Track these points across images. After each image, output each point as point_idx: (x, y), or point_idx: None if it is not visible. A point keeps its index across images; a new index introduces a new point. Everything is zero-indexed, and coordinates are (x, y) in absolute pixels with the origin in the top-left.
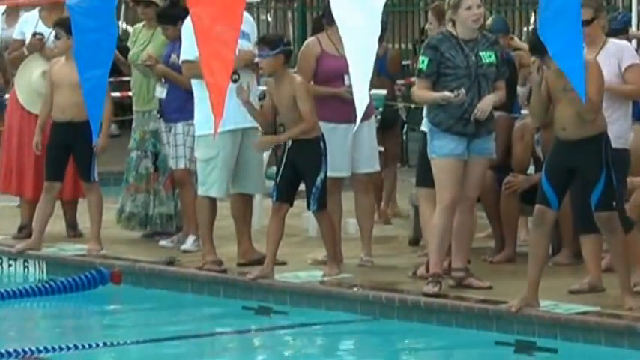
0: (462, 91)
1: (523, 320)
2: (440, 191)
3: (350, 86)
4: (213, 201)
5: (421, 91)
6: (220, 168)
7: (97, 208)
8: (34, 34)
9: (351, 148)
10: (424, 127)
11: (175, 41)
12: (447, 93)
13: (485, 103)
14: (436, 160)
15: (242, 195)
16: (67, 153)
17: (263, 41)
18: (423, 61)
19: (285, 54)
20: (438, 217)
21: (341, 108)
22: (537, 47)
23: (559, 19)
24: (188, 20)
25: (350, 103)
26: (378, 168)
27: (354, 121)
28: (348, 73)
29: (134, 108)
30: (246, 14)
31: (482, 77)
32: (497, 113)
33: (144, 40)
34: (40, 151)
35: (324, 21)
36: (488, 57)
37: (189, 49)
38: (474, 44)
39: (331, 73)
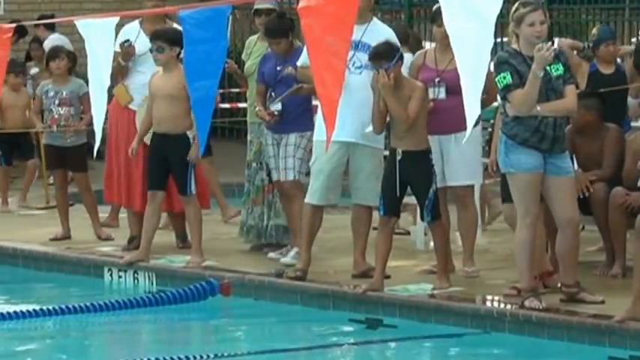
0: (547, 44)
1: (636, 335)
2: (524, 206)
3: (433, 100)
4: (316, 209)
5: (519, 96)
6: (315, 175)
7: (196, 220)
8: (122, 43)
9: (444, 160)
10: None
11: (286, 54)
12: (538, 49)
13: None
14: (518, 175)
15: (360, 206)
16: (167, 163)
17: (380, 56)
18: (504, 77)
19: (401, 60)
20: (524, 234)
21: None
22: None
23: None
24: None
25: (434, 116)
26: (473, 181)
27: (440, 133)
28: (433, 85)
29: (249, 120)
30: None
31: (551, 92)
32: (608, 125)
33: (259, 52)
34: (135, 156)
35: None
36: (555, 70)
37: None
38: None
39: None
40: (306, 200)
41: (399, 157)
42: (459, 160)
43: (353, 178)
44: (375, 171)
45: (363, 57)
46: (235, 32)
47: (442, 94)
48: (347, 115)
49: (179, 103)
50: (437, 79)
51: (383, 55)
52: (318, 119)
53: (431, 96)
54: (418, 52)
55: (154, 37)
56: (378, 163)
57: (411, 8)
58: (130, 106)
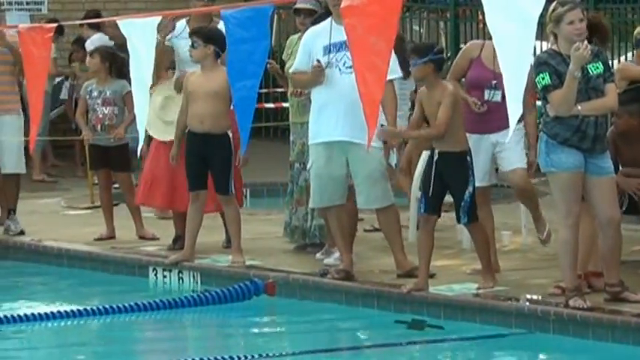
0: (584, 43)
1: None
2: (565, 205)
3: (487, 102)
4: (333, 210)
5: (558, 97)
6: (313, 179)
7: (236, 220)
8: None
9: (496, 152)
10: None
11: None
12: (575, 49)
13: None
14: (559, 175)
15: (381, 209)
16: (206, 162)
17: (412, 50)
18: (543, 78)
19: (435, 62)
20: (568, 233)
21: (471, 119)
22: None
23: None
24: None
25: (475, 115)
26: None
27: (495, 131)
28: (490, 87)
29: (291, 120)
30: None
31: (592, 91)
32: None
33: None
34: (177, 163)
35: None
36: (595, 68)
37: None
38: None
39: (473, 81)
40: (310, 206)
41: (435, 158)
42: (510, 147)
43: (354, 181)
44: (374, 173)
45: None
46: (280, 32)
47: (497, 97)
48: (340, 114)
49: (222, 101)
50: (494, 82)
51: (415, 50)
52: (311, 123)
53: (486, 97)
54: (474, 42)
55: (191, 33)
56: (378, 164)
57: (457, 7)
58: None
